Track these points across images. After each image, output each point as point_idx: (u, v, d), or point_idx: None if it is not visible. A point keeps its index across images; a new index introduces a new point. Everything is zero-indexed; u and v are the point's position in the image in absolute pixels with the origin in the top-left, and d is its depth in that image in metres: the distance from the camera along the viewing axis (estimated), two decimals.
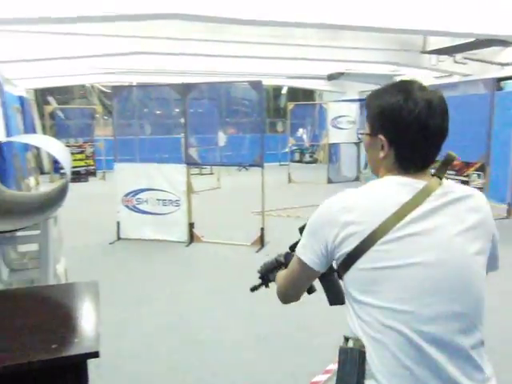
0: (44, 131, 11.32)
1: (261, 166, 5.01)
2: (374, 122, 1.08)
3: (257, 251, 5.03)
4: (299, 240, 1.15)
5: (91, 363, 2.75)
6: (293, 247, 1.20)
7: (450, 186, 1.06)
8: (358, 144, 10.77)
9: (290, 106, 11.65)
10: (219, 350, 2.91)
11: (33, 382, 1.38)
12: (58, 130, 11.71)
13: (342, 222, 1.02)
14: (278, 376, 2.64)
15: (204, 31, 6.41)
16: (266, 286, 1.48)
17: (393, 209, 1.00)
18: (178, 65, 8.13)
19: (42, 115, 11.53)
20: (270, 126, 15.77)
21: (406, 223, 0.99)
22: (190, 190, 5.48)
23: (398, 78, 10.89)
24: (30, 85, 10.60)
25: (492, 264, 1.11)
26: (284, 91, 15.61)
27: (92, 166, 11.42)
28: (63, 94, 13.39)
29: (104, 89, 12.72)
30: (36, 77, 9.46)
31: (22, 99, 9.41)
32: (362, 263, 1.01)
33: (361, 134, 1.16)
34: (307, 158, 14.27)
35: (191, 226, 5.43)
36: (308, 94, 15.67)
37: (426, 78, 9.76)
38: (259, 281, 1.49)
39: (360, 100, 12.00)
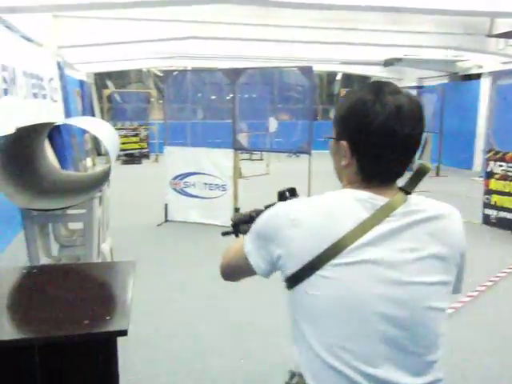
0: (102, 114, 11.76)
1: (308, 153, 4.93)
2: (338, 126, 0.96)
3: None
4: (274, 203, 1.04)
5: (130, 340, 2.84)
6: (268, 207, 1.07)
7: (417, 204, 0.92)
8: None
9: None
10: (255, 335, 2.92)
11: (64, 354, 1.43)
12: (114, 112, 12.12)
13: (287, 238, 0.91)
14: None
15: (257, 16, 6.36)
16: (236, 235, 1.41)
17: (344, 229, 0.87)
18: (231, 50, 8.14)
19: (100, 98, 11.96)
20: (322, 112, 15.52)
21: (357, 247, 0.87)
22: (236, 175, 5.50)
23: (460, 64, 10.34)
24: (91, 69, 11.03)
25: (455, 287, 0.99)
26: (338, 77, 15.26)
27: (146, 148, 11.74)
28: (121, 78, 13.81)
29: (159, 73, 12.99)
30: (96, 61, 9.82)
31: (82, 83, 9.81)
32: (304, 287, 0.90)
33: (326, 137, 1.02)
34: None
35: (236, 210, 5.43)
36: (363, 81, 15.24)
37: (491, 63, 9.20)
38: (231, 228, 1.44)
39: (418, 87, 11.52)
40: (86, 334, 1.38)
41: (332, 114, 15.13)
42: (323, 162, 8.98)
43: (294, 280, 0.92)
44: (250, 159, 11.71)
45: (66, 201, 2.41)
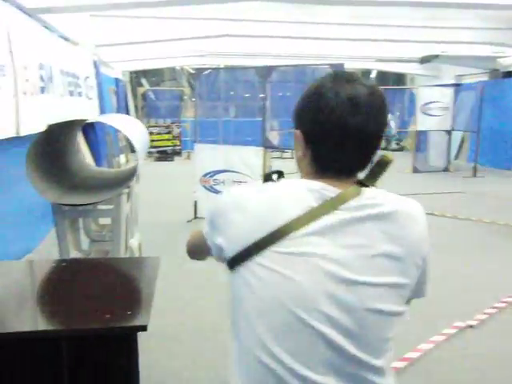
0: (136, 111, 12.00)
1: None
2: (295, 115, 0.92)
3: None
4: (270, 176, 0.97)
5: (155, 335, 2.88)
6: (267, 177, 1.01)
7: (374, 198, 0.85)
8: (449, 132, 10.09)
9: None
10: None
11: (87, 347, 1.46)
12: (148, 110, 12.34)
13: (229, 223, 0.89)
14: None
15: (290, 13, 6.33)
16: None
17: (289, 216, 0.83)
18: (263, 47, 8.14)
19: (135, 96, 12.20)
20: None
21: (300, 236, 0.82)
22: (265, 173, 5.48)
23: (501, 61, 9.96)
24: (126, 67, 11.26)
25: (418, 290, 0.93)
26: (373, 75, 15.01)
27: (178, 145, 11.90)
28: (155, 76, 14.05)
29: (192, 71, 13.14)
30: (131, 59, 10.02)
31: (117, 81, 10.03)
32: (241, 274, 0.87)
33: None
34: (393, 145, 13.67)
35: None
36: (399, 78, 14.94)
37: None
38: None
39: (456, 85, 11.18)
40: (106, 328, 1.40)
41: None
42: None
43: (231, 266, 0.89)
44: (280, 157, 11.69)
45: (94, 196, 2.46)
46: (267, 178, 0.95)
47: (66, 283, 1.82)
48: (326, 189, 0.85)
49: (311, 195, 0.85)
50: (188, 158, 11.41)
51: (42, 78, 4.10)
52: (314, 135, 0.88)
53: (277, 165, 8.71)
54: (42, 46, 4.30)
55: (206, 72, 6.16)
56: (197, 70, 6.24)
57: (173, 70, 14.08)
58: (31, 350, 1.43)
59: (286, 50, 8.50)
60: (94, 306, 1.53)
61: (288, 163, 8.96)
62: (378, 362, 0.86)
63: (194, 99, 7.03)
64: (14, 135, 3.57)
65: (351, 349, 0.83)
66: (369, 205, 0.84)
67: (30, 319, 1.52)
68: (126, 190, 2.58)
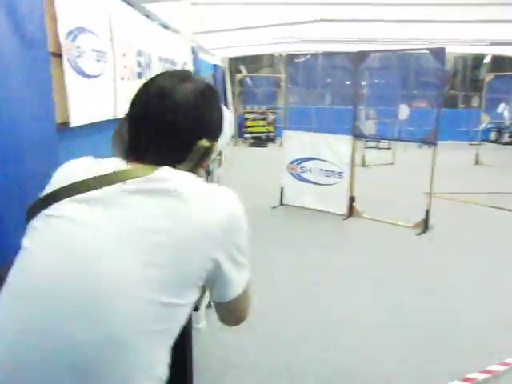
0: (233, 97, 12.28)
1: (433, 143, 4.54)
2: None
3: (417, 234, 4.65)
4: None
5: None
6: None
7: (165, 176, 0.81)
8: None
9: (488, 77, 10.21)
10: (351, 328, 2.81)
11: None
12: (245, 96, 12.55)
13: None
14: (406, 369, 2.42)
15: None
16: None
17: (68, 180, 0.83)
18: (358, 32, 7.81)
19: (233, 82, 12.47)
20: (464, 99, 14.18)
21: (66, 202, 0.80)
22: (354, 162, 5.30)
23: None
24: (225, 54, 11.53)
25: (219, 292, 0.89)
26: (486, 60, 13.73)
27: (272, 132, 11.97)
28: (254, 62, 14.23)
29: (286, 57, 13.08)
30: (230, 46, 10.22)
31: (215, 67, 10.32)
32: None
33: None
34: (506, 138, 12.43)
35: (352, 199, 5.28)
36: None
37: None
38: None
39: None
40: None
41: (474, 102, 13.72)
42: (457, 154, 8.35)
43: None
44: (376, 147, 11.25)
45: None
46: None
47: None
48: (118, 166, 0.85)
49: (97, 167, 0.85)
50: (281, 145, 11.43)
51: (139, 64, 4.33)
52: (128, 117, 0.93)
53: (372, 155, 8.47)
54: (142, 34, 4.54)
55: (298, 58, 6.08)
56: (288, 56, 6.17)
57: (271, 56, 14.15)
58: None
59: (382, 35, 8.07)
60: None
61: (384, 154, 8.67)
62: None
63: (289, 86, 6.99)
64: (112, 118, 3.82)
65: (94, 368, 0.76)
66: (155, 180, 0.81)
67: None
68: (205, 174, 2.63)
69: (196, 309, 1.44)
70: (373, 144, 11.25)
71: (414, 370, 2.43)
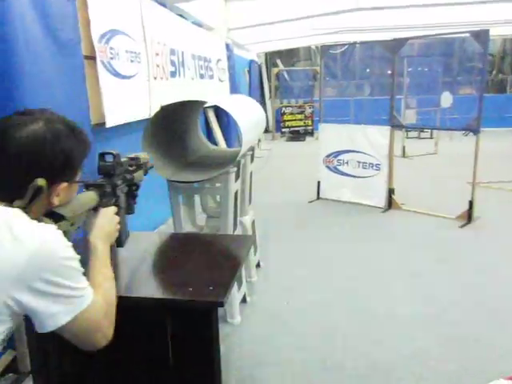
0: (270, 92, 12.24)
1: (476, 130, 4.34)
2: None
3: (461, 226, 4.47)
4: None
5: (260, 311, 2.94)
6: None
7: None
8: None
9: None
10: (390, 322, 2.75)
11: (166, 317, 1.55)
12: (282, 90, 12.49)
13: None
14: (445, 366, 2.34)
15: None
16: None
17: None
18: (397, 20, 7.58)
19: (270, 77, 12.43)
20: None
21: None
22: (392, 153, 5.16)
23: None
24: (261, 49, 11.50)
25: (37, 324, 0.90)
26: None
27: (310, 126, 11.86)
28: (290, 56, 14.10)
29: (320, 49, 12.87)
30: (265, 41, 10.18)
31: (251, 62, 10.32)
32: None
33: None
34: None
35: (391, 191, 5.15)
36: None
37: None
38: None
39: None
40: (185, 301, 1.46)
41: None
42: (501, 142, 7.99)
43: None
44: (418, 138, 10.92)
45: (203, 174, 2.58)
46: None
47: (166, 255, 1.95)
48: None
49: None
50: (318, 138, 11.31)
51: (172, 63, 4.40)
52: None
53: (414, 145, 8.28)
54: (175, 33, 4.60)
55: (334, 49, 5.97)
56: (325, 47, 6.08)
57: (307, 49, 13.99)
58: (142, 315, 1.58)
59: (422, 21, 7.78)
60: (182, 278, 1.61)
61: (426, 144, 8.41)
62: None
63: (327, 78, 6.89)
64: (147, 117, 3.89)
65: None
66: None
67: (141, 286, 1.64)
68: (234, 169, 2.64)
69: (221, 305, 1.45)
70: (414, 134, 10.93)
71: (454, 366, 2.34)
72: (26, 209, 0.95)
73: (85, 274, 0.99)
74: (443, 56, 8.04)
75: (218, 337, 1.55)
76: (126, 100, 3.47)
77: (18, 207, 0.94)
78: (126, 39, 3.52)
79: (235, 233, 2.93)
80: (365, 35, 10.01)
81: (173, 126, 2.87)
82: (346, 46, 5.85)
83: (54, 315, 0.90)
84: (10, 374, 2.30)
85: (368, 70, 6.45)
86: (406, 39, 4.83)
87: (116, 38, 3.33)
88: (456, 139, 9.70)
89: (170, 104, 2.62)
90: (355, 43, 5.81)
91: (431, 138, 10.18)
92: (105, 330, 1.01)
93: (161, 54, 4.13)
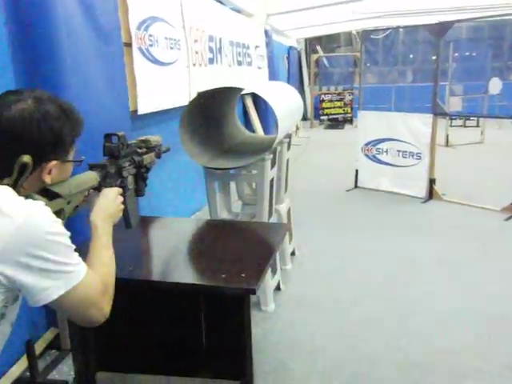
0: (309, 79, 12.07)
1: None
2: None
3: (506, 219, 4.28)
4: None
5: (296, 299, 2.93)
6: None
7: None
8: None
9: None
10: (425, 316, 2.68)
11: (200, 302, 1.57)
12: (321, 77, 12.29)
13: None
14: (485, 362, 2.26)
15: None
16: None
17: None
18: (444, 2, 7.26)
19: (309, 63, 12.26)
20: None
21: None
22: (434, 142, 4.99)
23: None
24: (301, 35, 11.33)
25: (29, 298, 0.92)
26: None
27: (349, 113, 11.64)
28: (330, 42, 13.84)
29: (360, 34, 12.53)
30: (305, 26, 10.02)
31: (290, 49, 10.19)
32: None
33: None
34: None
35: (432, 181, 4.99)
36: None
37: None
38: None
39: None
40: (218, 287, 1.47)
41: None
42: None
43: None
44: (463, 126, 10.51)
45: (239, 161, 2.58)
46: None
47: (201, 241, 1.97)
48: None
49: None
50: (357, 126, 11.09)
51: (211, 50, 4.40)
52: None
53: (456, 134, 7.97)
54: (213, 19, 4.59)
55: (376, 34, 5.80)
56: (366, 32, 5.91)
57: (348, 34, 13.66)
58: (177, 299, 1.61)
59: (469, 3, 7.41)
60: (214, 265, 1.62)
61: (471, 133, 8.06)
62: None
63: (368, 64, 6.72)
64: (186, 104, 3.92)
65: None
66: None
67: (176, 271, 1.67)
68: (270, 156, 2.62)
69: (253, 292, 1.45)
70: (459, 122, 10.53)
71: (495, 364, 2.26)
72: (15, 186, 0.96)
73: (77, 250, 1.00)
74: (493, 40, 7.67)
75: (249, 323, 1.55)
76: (164, 87, 3.50)
77: (6, 184, 0.95)
78: (165, 26, 3.54)
79: (270, 220, 2.92)
80: (408, 19, 9.65)
81: (210, 113, 2.88)
82: (389, 31, 5.65)
83: (45, 290, 0.91)
84: (53, 351, 2.41)
85: (411, 56, 6.23)
86: (453, 22, 4.63)
87: (155, 25, 3.36)
88: (505, 128, 9.28)
89: (208, 91, 2.63)
90: (398, 27, 5.61)
91: (477, 126, 9.78)
92: (100, 306, 1.01)
93: (199, 41, 4.14)
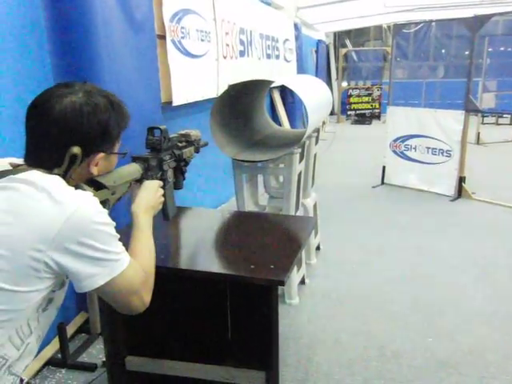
0: (337, 73, 11.95)
1: None
2: None
3: None
4: None
5: (320, 294, 2.93)
6: None
7: (25, 180, 0.91)
8: None
9: None
10: (453, 314, 2.65)
11: (226, 292, 1.59)
12: (349, 72, 12.14)
13: None
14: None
15: None
16: None
17: None
18: None
19: (337, 57, 12.13)
20: None
21: None
22: (465, 140, 4.88)
23: None
24: (330, 28, 11.21)
25: (76, 284, 0.95)
26: None
27: (377, 109, 11.48)
28: (360, 36, 13.65)
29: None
30: (334, 20, 9.91)
31: (318, 42, 10.10)
32: None
33: None
34: None
35: (461, 179, 4.90)
36: None
37: None
38: None
39: None
40: (248, 277, 1.49)
41: None
42: None
43: None
44: (495, 123, 10.24)
45: (267, 154, 2.58)
46: None
47: (229, 232, 2.00)
48: (5, 166, 0.99)
49: None
50: (385, 121, 10.94)
51: (241, 43, 4.41)
52: None
53: (488, 132, 7.78)
54: (244, 12, 4.59)
55: (407, 28, 5.69)
56: (397, 26, 5.81)
57: (379, 28, 13.45)
58: (204, 288, 1.63)
59: None
60: (246, 256, 1.64)
61: (504, 131, 7.87)
62: None
63: (398, 59, 6.60)
64: (215, 96, 3.95)
65: None
66: (17, 179, 0.92)
67: (205, 260, 1.70)
68: (299, 150, 2.62)
69: (281, 283, 1.46)
70: (491, 120, 10.27)
71: None
72: (65, 176, 1.00)
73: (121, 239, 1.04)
74: None
75: (277, 315, 1.57)
76: (194, 79, 3.53)
77: (57, 174, 0.98)
78: (197, 18, 3.57)
79: (297, 214, 2.93)
80: (441, 12, 9.43)
81: (239, 106, 2.90)
82: (421, 25, 5.53)
83: (91, 277, 0.94)
84: (83, 335, 2.48)
85: (443, 51, 6.10)
86: (490, 16, 4.50)
87: (187, 18, 3.38)
88: None
89: (239, 83, 2.64)
90: (431, 21, 5.48)
91: (511, 124, 9.53)
92: (141, 295, 1.04)
93: (230, 33, 4.16)
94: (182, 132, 1.59)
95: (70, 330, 2.42)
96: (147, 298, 1.07)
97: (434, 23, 5.47)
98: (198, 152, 1.65)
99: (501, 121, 10.19)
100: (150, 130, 1.42)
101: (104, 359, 2.18)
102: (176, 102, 3.19)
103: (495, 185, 5.26)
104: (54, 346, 2.27)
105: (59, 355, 2.26)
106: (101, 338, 2.39)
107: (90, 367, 2.23)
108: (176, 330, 1.85)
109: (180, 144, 1.55)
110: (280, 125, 6.40)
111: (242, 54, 4.46)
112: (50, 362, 2.25)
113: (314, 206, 3.44)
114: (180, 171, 1.55)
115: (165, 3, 2.99)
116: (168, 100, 3.14)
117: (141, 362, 1.83)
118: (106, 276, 0.96)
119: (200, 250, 1.79)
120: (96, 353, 2.36)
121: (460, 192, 4.89)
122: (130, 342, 1.85)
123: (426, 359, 2.30)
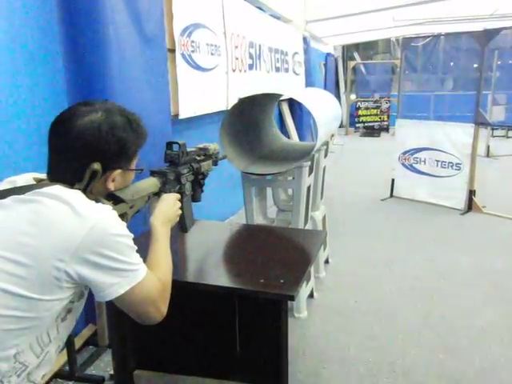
0: (345, 86, 11.98)
1: None
2: None
3: None
4: None
5: (328, 307, 2.90)
6: None
7: (49, 189, 0.96)
8: None
9: None
10: (464, 331, 2.60)
11: (236, 306, 1.58)
12: (357, 84, 12.16)
13: None
14: None
15: None
16: None
17: None
18: (488, 8, 7.07)
19: (346, 70, 12.17)
20: None
21: None
22: (475, 153, 4.86)
23: None
24: (338, 42, 11.26)
25: (96, 294, 0.99)
26: None
27: (386, 121, 11.47)
28: (368, 49, 13.71)
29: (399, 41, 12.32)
30: (343, 33, 9.96)
31: (327, 56, 10.15)
32: None
33: None
34: None
35: (471, 193, 4.86)
36: None
37: None
38: None
39: None
40: (257, 291, 1.47)
41: None
42: None
43: None
44: (505, 136, 10.19)
45: (276, 167, 2.58)
46: None
47: (237, 245, 1.99)
48: (29, 181, 1.04)
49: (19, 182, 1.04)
50: (394, 134, 10.92)
51: (250, 56, 4.44)
52: None
53: (498, 145, 7.74)
54: (253, 26, 4.64)
55: (416, 41, 5.71)
56: (406, 39, 5.82)
57: (387, 41, 13.49)
58: (212, 302, 1.62)
59: None
60: (253, 270, 1.63)
61: None
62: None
63: (407, 72, 6.62)
64: (225, 109, 3.97)
65: None
66: (41, 193, 0.95)
67: (214, 274, 1.69)
68: (308, 163, 2.62)
69: (292, 298, 1.45)
70: (501, 132, 10.22)
71: None
72: (85, 191, 1.04)
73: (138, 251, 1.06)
74: None
75: (287, 329, 1.55)
76: (203, 92, 3.55)
77: (78, 189, 1.02)
78: (207, 32, 3.60)
79: (306, 227, 2.92)
80: (449, 26, 9.45)
81: (248, 119, 2.91)
82: (430, 38, 5.55)
83: (111, 286, 0.97)
84: (90, 347, 2.47)
85: (451, 64, 6.10)
86: (500, 30, 4.50)
87: (198, 32, 3.42)
88: None
89: (248, 96, 2.65)
90: (440, 35, 5.50)
91: None
92: (158, 305, 1.06)
93: (240, 47, 4.19)
94: (201, 146, 1.62)
95: (78, 342, 2.41)
96: (164, 308, 1.08)
97: (442, 37, 5.49)
98: (216, 165, 1.67)
99: (511, 134, 10.14)
100: (169, 144, 1.44)
101: (112, 372, 2.17)
102: (182, 115, 3.21)
103: (506, 198, 5.22)
104: (62, 358, 2.26)
105: (67, 367, 2.25)
106: (109, 350, 2.38)
107: (97, 380, 2.21)
108: (184, 344, 1.84)
109: (198, 157, 1.57)
110: (288, 137, 6.41)
111: (250, 67, 4.49)
112: (58, 375, 2.24)
113: (323, 218, 3.42)
114: (198, 184, 1.57)
115: (176, 17, 3.03)
116: (177, 113, 3.17)
117: (149, 376, 1.82)
118: (125, 285, 0.98)
119: (209, 263, 1.78)
120: (104, 365, 2.35)
121: (470, 205, 4.85)
122: (138, 355, 1.84)
123: (438, 376, 2.26)
